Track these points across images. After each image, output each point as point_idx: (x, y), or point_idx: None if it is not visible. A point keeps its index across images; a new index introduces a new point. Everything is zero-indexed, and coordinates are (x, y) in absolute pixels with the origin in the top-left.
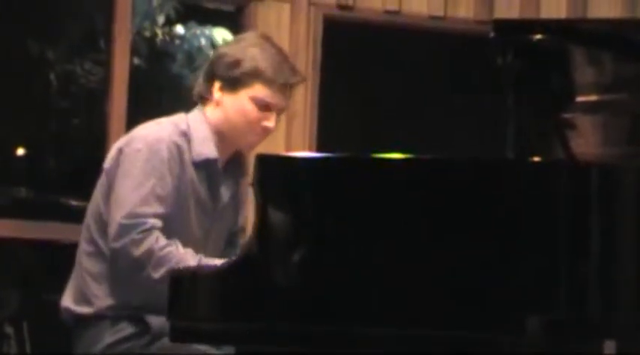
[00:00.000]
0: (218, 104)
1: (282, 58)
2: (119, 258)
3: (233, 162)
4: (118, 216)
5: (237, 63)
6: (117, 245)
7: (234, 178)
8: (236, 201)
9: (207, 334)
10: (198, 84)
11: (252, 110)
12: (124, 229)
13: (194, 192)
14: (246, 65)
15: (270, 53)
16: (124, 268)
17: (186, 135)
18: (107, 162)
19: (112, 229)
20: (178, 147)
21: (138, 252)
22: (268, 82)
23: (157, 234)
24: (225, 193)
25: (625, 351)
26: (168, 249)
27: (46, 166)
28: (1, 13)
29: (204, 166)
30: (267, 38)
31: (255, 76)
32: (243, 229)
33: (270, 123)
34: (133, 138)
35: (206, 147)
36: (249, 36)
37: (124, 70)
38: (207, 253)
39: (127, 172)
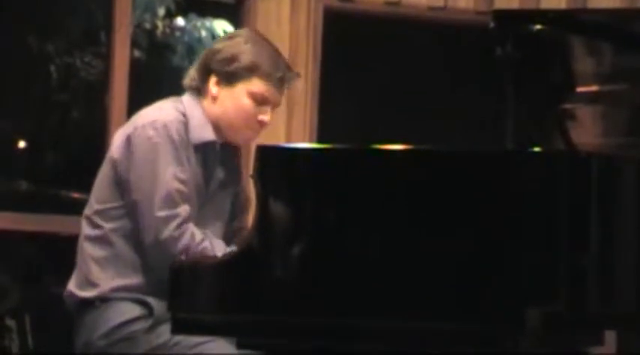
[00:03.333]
0: (215, 99)
1: (277, 53)
2: (157, 252)
3: (226, 145)
4: (152, 210)
5: (234, 57)
6: (156, 241)
7: (228, 159)
8: (227, 180)
9: (208, 325)
10: (192, 78)
11: (249, 104)
12: (161, 223)
13: (193, 173)
14: (244, 59)
15: (266, 48)
16: (160, 261)
17: (185, 116)
18: (114, 152)
19: (148, 223)
20: (185, 128)
21: (176, 249)
22: (266, 76)
23: (192, 228)
24: (218, 175)
25: (624, 346)
26: (203, 245)
27: (46, 159)
28: (1, 6)
29: (202, 148)
30: (259, 34)
31: (252, 70)
32: (247, 199)
33: (266, 116)
34: (139, 125)
35: (205, 130)
36: (241, 32)
37: (124, 62)
38: None
39: (144, 162)
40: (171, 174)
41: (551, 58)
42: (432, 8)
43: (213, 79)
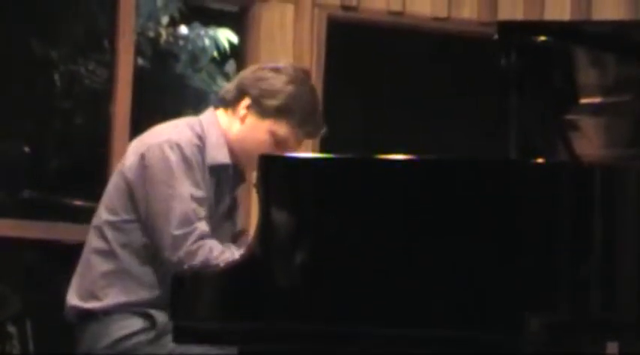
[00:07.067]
0: (242, 120)
1: (315, 107)
2: (177, 269)
3: (235, 168)
4: (169, 228)
5: (272, 93)
6: (174, 258)
7: (235, 184)
8: (232, 206)
9: (210, 334)
10: (228, 90)
11: (268, 142)
12: (178, 240)
13: (207, 194)
14: (280, 99)
15: (307, 99)
16: None
17: (201, 138)
18: (127, 170)
19: (166, 242)
20: (200, 150)
21: (195, 263)
22: (294, 124)
23: (209, 243)
24: (226, 200)
25: (627, 352)
26: (223, 257)
27: (50, 166)
28: (5, 12)
29: (216, 170)
30: (307, 76)
31: (284, 113)
32: (244, 231)
33: None
34: (153, 143)
35: (220, 152)
36: (290, 69)
37: (128, 70)
38: None
39: (160, 182)
40: (187, 194)
41: (554, 69)
42: (435, 18)
43: (246, 102)
